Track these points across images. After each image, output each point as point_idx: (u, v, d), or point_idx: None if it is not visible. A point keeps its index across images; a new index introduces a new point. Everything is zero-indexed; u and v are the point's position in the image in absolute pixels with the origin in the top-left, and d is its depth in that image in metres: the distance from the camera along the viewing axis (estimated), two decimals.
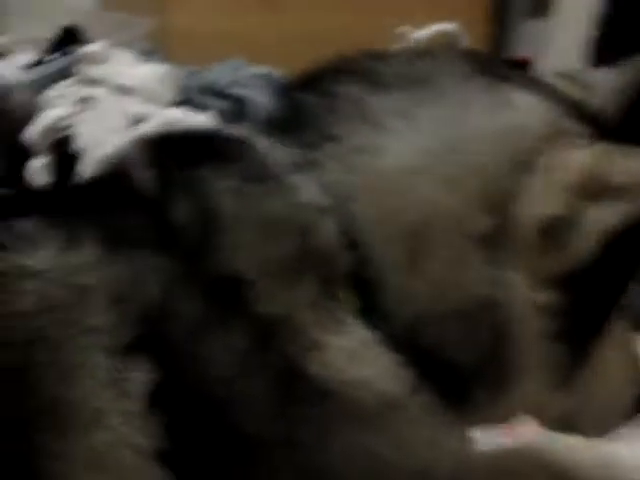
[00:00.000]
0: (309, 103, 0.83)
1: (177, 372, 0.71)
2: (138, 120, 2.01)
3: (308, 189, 0.78)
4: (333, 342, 0.73)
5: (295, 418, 0.72)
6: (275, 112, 0.87)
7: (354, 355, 0.74)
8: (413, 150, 0.78)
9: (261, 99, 2.08)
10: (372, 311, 0.77)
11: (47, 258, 0.73)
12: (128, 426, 0.69)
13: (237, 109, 2.12)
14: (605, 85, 0.86)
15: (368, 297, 0.77)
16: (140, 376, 0.70)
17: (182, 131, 0.87)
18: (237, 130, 0.84)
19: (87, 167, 2.01)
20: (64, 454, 0.68)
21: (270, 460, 0.72)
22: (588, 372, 0.84)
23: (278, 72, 2.26)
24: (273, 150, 0.80)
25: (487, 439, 0.84)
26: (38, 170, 2.11)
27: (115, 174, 0.82)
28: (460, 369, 0.79)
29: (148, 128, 2.01)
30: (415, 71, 0.83)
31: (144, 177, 0.78)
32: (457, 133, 0.79)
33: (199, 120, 2.00)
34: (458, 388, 0.79)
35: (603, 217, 0.78)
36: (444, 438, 0.77)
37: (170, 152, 0.81)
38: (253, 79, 2.17)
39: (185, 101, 2.12)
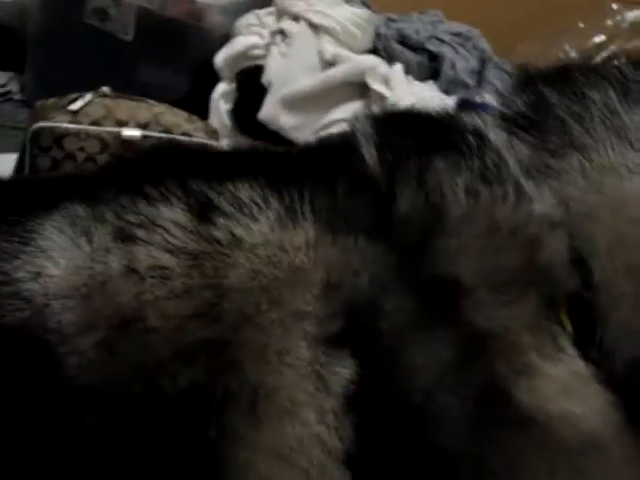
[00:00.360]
0: (557, 103, 0.76)
1: (377, 373, 0.67)
2: (331, 62, 1.98)
3: (544, 199, 0.71)
4: (548, 370, 0.68)
5: (489, 442, 0.68)
6: (514, 104, 0.80)
7: (567, 387, 0.68)
8: None
9: (458, 60, 2.01)
10: (589, 343, 0.71)
11: (262, 232, 0.69)
12: (322, 424, 0.66)
13: (432, 65, 2.06)
14: None
15: (586, 327, 0.71)
16: (343, 372, 0.66)
17: (414, 111, 0.81)
18: (473, 119, 0.78)
19: (272, 102, 1.99)
20: (253, 443, 0.65)
21: None
22: None
23: (476, 32, 2.18)
24: (511, 149, 0.74)
25: None
26: (221, 96, 2.10)
27: (340, 147, 0.78)
28: None
29: (340, 72, 1.97)
30: None
31: (372, 157, 0.74)
32: None
33: (393, 72, 1.95)
34: None
35: None
36: None
37: (403, 135, 0.76)
38: (451, 37, 2.09)
39: (379, 49, 2.07)
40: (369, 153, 0.74)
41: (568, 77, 0.78)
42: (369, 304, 0.68)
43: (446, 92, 2.03)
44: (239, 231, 0.69)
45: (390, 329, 0.68)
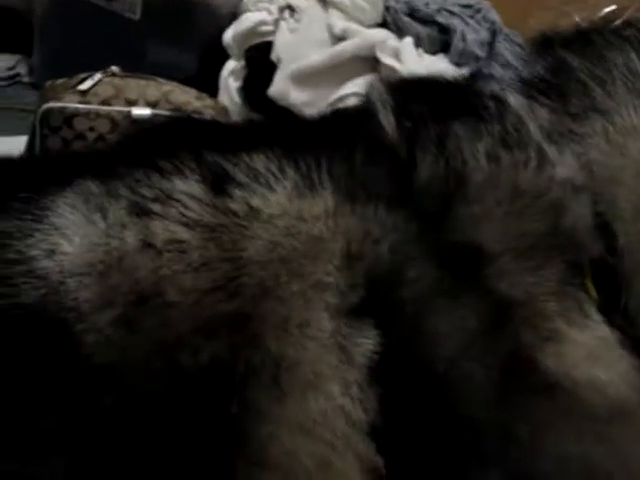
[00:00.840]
0: (577, 67, 0.74)
1: (400, 343, 0.66)
2: (340, 37, 1.96)
3: (566, 164, 0.70)
4: (574, 336, 0.67)
5: (515, 410, 0.67)
6: (533, 69, 0.79)
7: (593, 354, 0.67)
8: None
9: (468, 32, 1.98)
10: (614, 308, 0.70)
11: (280, 202, 0.68)
12: (347, 396, 0.65)
13: (442, 38, 2.03)
14: None
15: (611, 292, 0.70)
16: (366, 343, 0.65)
17: (431, 78, 0.80)
18: (491, 85, 0.76)
19: (281, 78, 1.97)
20: (276, 417, 0.64)
21: (482, 450, 0.67)
22: None
23: (486, 4, 2.15)
24: (532, 113, 0.73)
25: None
26: (230, 74, 2.08)
27: (356, 115, 0.77)
28: None
29: (350, 46, 1.95)
30: None
31: (390, 123, 0.72)
32: None
33: (403, 45, 1.93)
34: None
35: None
36: None
37: (421, 100, 0.74)
38: (461, 9, 2.07)
39: (389, 22, 2.04)
40: (387, 120, 0.73)
41: (588, 40, 0.77)
42: (391, 273, 0.67)
43: (457, 64, 2.01)
44: (256, 202, 0.68)
45: (413, 298, 0.67)
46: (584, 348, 0.67)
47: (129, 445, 0.66)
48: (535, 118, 0.72)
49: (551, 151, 0.71)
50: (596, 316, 0.69)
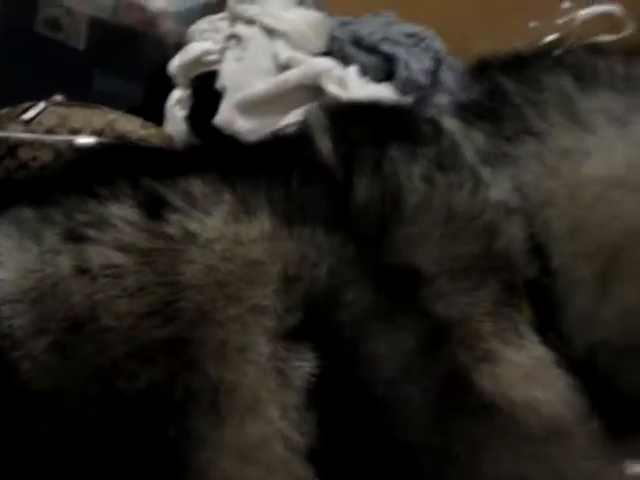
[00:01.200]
0: (511, 90, 0.76)
1: (338, 366, 0.66)
2: (285, 65, 1.96)
3: (500, 186, 0.71)
4: (510, 356, 0.68)
5: (453, 431, 0.67)
6: (468, 93, 0.80)
7: (529, 374, 0.68)
8: (621, 161, 0.71)
9: (412, 61, 2.00)
10: (549, 328, 0.71)
11: (216, 226, 0.68)
12: (285, 420, 0.65)
13: (386, 67, 2.05)
14: None
15: (546, 312, 0.71)
16: (304, 366, 0.65)
17: (369, 102, 0.81)
18: (427, 110, 0.77)
19: (227, 107, 1.97)
20: (216, 442, 0.64)
21: (420, 474, 0.67)
22: None
23: (430, 32, 2.18)
24: (467, 137, 0.74)
25: None
26: (176, 103, 2.08)
27: (293, 139, 0.77)
28: (632, 403, 0.72)
29: (295, 75, 1.96)
30: (630, 71, 0.76)
31: (327, 147, 0.73)
32: None
33: (348, 74, 1.94)
34: (626, 421, 0.73)
35: None
36: (605, 473, 0.71)
37: (359, 124, 0.75)
38: (405, 38, 2.09)
39: (334, 51, 2.06)
40: (324, 143, 0.73)
41: (524, 64, 0.78)
42: (328, 296, 0.67)
43: (401, 93, 2.03)
44: (192, 226, 0.67)
45: (351, 320, 0.67)
46: (520, 368, 0.68)
47: (66, 472, 0.65)
48: (470, 141, 0.73)
49: (485, 174, 0.72)
50: (531, 336, 0.69)
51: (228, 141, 1.14)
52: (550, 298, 0.71)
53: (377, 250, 0.69)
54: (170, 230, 0.67)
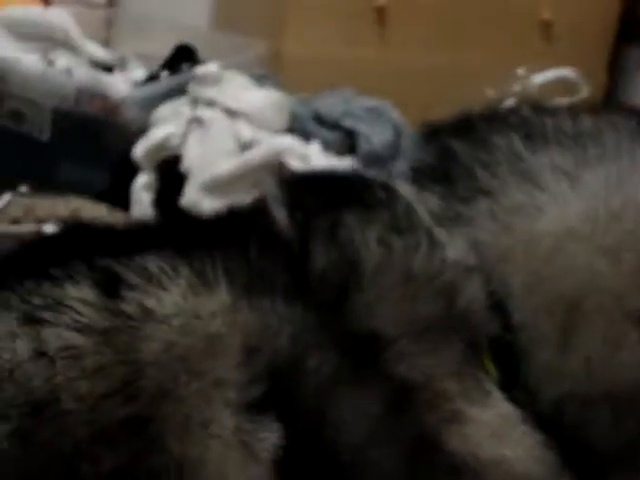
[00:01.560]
0: (461, 152, 0.77)
1: (304, 434, 0.65)
2: (248, 145, 1.98)
3: (456, 245, 0.72)
4: (477, 415, 0.67)
5: None
6: (421, 157, 0.81)
7: (497, 432, 0.68)
8: (574, 214, 0.72)
9: (374, 134, 2.03)
10: (514, 384, 0.71)
11: (174, 301, 0.67)
12: None
13: (348, 142, 2.08)
14: None
15: (511, 368, 0.71)
16: (269, 437, 0.65)
17: (322, 172, 0.82)
18: (379, 174, 0.78)
19: (193, 188, 1.98)
20: None
21: None
22: None
23: (388, 105, 2.21)
24: (420, 199, 0.74)
25: None
26: (142, 187, 2.09)
27: (249, 211, 0.77)
28: (601, 454, 0.72)
29: (258, 154, 1.98)
30: (578, 127, 0.77)
31: (282, 217, 0.73)
32: (623, 199, 0.72)
33: (310, 150, 1.96)
34: (595, 473, 0.72)
35: None
36: None
37: (311, 193, 0.76)
38: (365, 112, 2.12)
39: (295, 129, 2.08)
40: (279, 213, 0.74)
41: (471, 126, 0.80)
42: (291, 364, 0.67)
43: (364, 166, 2.05)
44: (150, 303, 0.67)
45: (315, 388, 0.67)
46: (487, 427, 0.68)
47: None
48: (424, 203, 0.74)
49: (441, 234, 0.72)
50: (497, 394, 0.69)
51: (184, 216, 1.14)
52: (514, 354, 0.71)
53: (338, 316, 0.69)
54: (127, 308, 0.67)
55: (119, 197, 2.08)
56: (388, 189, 0.75)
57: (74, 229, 0.80)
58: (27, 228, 1.77)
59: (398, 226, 0.72)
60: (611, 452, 0.72)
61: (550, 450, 0.69)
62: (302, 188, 0.77)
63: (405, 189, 0.76)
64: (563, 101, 1.89)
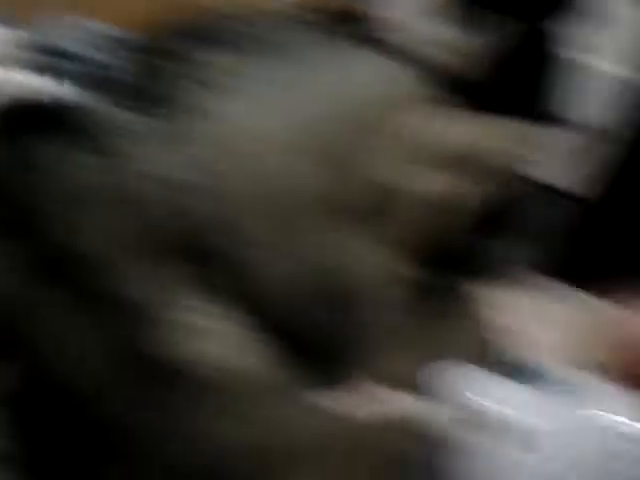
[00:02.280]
0: (166, 69, 0.77)
1: (27, 367, 0.65)
2: None
3: (154, 159, 0.72)
4: (177, 319, 0.69)
5: (146, 403, 0.68)
6: (125, 76, 0.80)
7: (205, 330, 0.70)
8: (278, 120, 0.74)
9: (84, 52, 1.97)
10: (227, 287, 0.73)
11: None
12: None
13: (56, 62, 2.00)
14: (471, 48, 0.84)
15: (238, 278, 0.73)
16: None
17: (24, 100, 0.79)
18: (77, 95, 0.77)
19: None
20: None
21: (125, 447, 0.68)
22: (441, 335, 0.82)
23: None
24: (119, 118, 0.74)
25: (350, 407, 0.81)
26: None
27: None
28: (316, 344, 0.76)
29: None
30: (274, 36, 0.79)
31: None
32: (301, 96, 0.75)
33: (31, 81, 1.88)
34: (315, 362, 0.77)
35: (431, 186, 0.77)
36: (296, 413, 0.75)
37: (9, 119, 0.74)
38: (73, 31, 2.05)
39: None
40: None
41: (177, 43, 0.79)
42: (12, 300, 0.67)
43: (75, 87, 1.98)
44: None
45: (33, 317, 0.67)
46: (188, 328, 0.70)
47: None
48: (123, 122, 0.74)
49: (139, 150, 0.72)
50: (199, 297, 0.71)
51: None
52: (242, 266, 0.73)
53: (41, 245, 0.69)
54: None
55: None
56: (81, 108, 0.74)
57: None
58: None
59: (97, 147, 0.72)
60: (325, 341, 0.76)
61: (260, 344, 0.72)
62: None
63: (104, 108, 0.75)
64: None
